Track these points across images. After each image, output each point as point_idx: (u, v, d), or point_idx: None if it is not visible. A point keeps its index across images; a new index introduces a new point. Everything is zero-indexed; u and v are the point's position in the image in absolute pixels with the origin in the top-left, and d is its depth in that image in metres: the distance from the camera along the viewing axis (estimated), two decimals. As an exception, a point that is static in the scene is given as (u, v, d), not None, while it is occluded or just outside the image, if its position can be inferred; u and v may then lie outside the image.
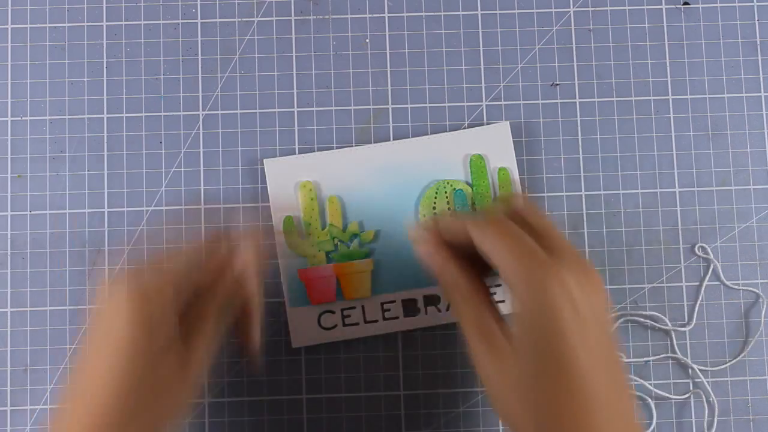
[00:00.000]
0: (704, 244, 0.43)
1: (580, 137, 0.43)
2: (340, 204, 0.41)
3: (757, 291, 0.42)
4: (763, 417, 0.42)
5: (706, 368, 0.42)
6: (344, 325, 0.41)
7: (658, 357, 0.42)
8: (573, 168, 0.43)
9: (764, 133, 0.44)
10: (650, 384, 0.42)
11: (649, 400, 0.42)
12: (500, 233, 0.30)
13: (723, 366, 0.42)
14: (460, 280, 0.32)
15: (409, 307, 0.41)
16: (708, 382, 0.42)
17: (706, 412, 0.41)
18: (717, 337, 0.42)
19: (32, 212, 0.42)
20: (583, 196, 0.43)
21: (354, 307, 0.41)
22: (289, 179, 0.42)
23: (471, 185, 0.42)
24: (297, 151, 0.43)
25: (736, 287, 0.42)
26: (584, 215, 0.43)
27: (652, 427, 0.41)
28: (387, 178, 0.42)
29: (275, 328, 0.42)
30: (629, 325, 0.42)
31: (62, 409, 0.33)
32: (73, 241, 0.42)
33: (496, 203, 0.33)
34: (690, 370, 0.42)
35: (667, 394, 0.42)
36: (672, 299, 0.42)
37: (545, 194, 0.43)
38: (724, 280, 0.42)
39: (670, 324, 0.42)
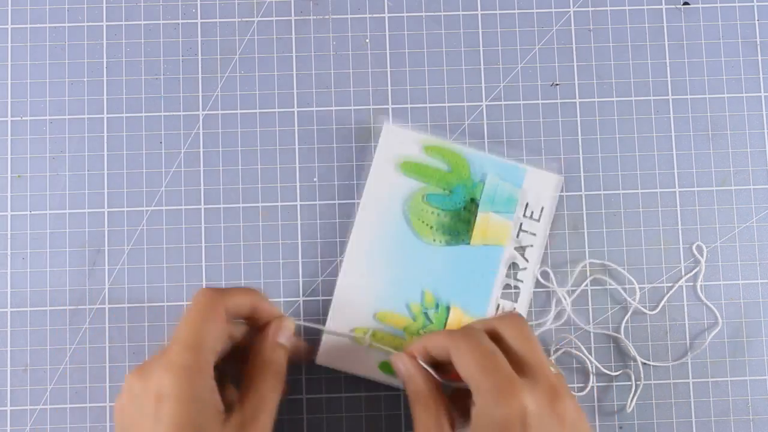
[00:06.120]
0: (702, 243, 0.43)
1: (580, 137, 0.43)
2: None
3: (718, 316, 0.42)
4: (763, 417, 0.42)
5: (649, 361, 0.42)
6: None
7: (599, 327, 0.42)
8: (573, 168, 0.43)
9: (764, 133, 0.44)
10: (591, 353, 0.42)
11: (589, 365, 0.42)
12: (472, 349, 0.32)
13: (658, 364, 0.42)
14: (422, 388, 0.34)
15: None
16: (648, 367, 0.42)
17: (633, 390, 0.41)
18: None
19: (32, 212, 0.42)
20: (583, 196, 0.43)
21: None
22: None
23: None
24: (297, 151, 0.43)
25: (701, 298, 0.42)
26: (584, 215, 0.43)
27: (586, 391, 0.42)
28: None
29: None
30: (589, 287, 0.42)
31: None
32: (73, 241, 0.42)
33: (478, 322, 0.36)
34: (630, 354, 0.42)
35: (599, 365, 0.42)
36: (672, 299, 0.42)
37: (545, 194, 0.43)
38: (698, 289, 0.42)
39: (635, 302, 0.42)
